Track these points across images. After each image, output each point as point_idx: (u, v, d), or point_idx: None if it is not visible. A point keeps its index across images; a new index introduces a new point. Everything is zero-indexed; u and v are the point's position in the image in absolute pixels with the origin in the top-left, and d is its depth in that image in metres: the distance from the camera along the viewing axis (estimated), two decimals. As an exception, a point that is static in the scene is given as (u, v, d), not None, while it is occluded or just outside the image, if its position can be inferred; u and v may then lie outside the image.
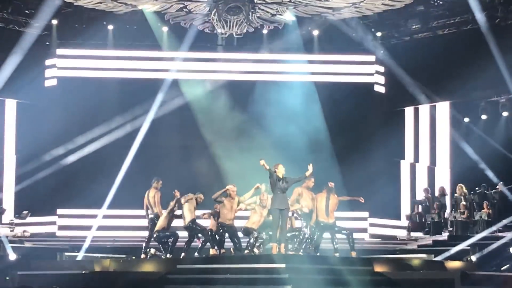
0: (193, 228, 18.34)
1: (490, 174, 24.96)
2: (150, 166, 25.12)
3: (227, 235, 18.45)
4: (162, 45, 26.76)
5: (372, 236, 26.71)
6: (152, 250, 19.07)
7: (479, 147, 25.74)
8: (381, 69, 27.87)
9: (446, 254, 20.92)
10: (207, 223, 18.83)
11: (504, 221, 23.27)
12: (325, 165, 23.06)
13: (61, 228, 26.21)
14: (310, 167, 17.26)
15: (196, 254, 18.48)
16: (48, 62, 27.24)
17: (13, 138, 27.06)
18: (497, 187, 24.56)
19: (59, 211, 26.37)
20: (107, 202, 24.60)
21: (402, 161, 27.91)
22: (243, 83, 27.04)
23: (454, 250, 21.31)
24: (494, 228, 23.23)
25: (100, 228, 24.67)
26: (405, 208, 27.23)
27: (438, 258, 20.28)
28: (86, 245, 22.06)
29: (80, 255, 21.15)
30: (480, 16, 24.04)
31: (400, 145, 27.94)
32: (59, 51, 27.06)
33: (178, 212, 18.65)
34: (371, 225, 27.12)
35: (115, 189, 24.68)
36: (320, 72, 27.43)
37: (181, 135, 27.07)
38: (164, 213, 18.61)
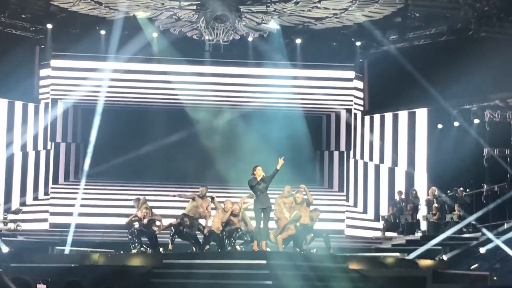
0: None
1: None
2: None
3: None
4: (153, 51, 26.76)
5: (349, 237, 26.78)
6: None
7: (452, 152, 25.85)
8: (360, 84, 28.05)
9: (417, 252, 20.98)
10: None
11: (470, 219, 23.43)
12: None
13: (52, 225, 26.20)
14: (281, 160, 17.12)
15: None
16: (42, 72, 27.25)
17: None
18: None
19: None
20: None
21: (381, 165, 28.03)
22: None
23: (423, 248, 21.36)
24: (460, 226, 23.34)
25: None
26: (383, 210, 27.31)
27: (410, 257, 20.33)
28: (70, 235, 22.05)
29: (67, 249, 21.11)
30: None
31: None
32: (54, 63, 27.03)
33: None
34: (348, 226, 27.22)
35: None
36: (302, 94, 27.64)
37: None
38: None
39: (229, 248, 17.89)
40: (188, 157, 26.69)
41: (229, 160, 25.22)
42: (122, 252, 19.51)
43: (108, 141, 26.85)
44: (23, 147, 26.98)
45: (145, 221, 18.73)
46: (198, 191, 18.97)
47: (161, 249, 18.88)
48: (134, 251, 18.60)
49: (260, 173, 17.05)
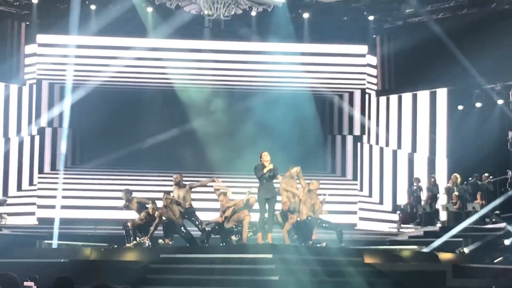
0: None
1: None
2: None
3: None
4: (147, 27, 26.71)
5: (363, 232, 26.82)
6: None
7: (474, 135, 25.83)
8: (374, 60, 28.00)
9: (435, 244, 21.00)
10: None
11: (491, 206, 23.43)
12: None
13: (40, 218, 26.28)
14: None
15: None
16: (28, 49, 27.22)
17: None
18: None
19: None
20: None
21: (399, 151, 28.02)
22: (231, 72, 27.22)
23: (441, 240, 21.37)
24: (482, 215, 23.34)
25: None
26: (401, 200, 27.28)
27: (428, 250, 20.35)
28: (56, 227, 22.15)
29: (55, 242, 21.20)
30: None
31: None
32: (41, 38, 26.97)
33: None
34: (361, 219, 27.27)
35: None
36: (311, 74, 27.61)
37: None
38: None
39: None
40: (185, 143, 26.74)
41: (229, 146, 25.28)
42: (116, 246, 19.57)
43: (99, 126, 26.92)
44: (5, 133, 27.02)
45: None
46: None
47: (160, 241, 18.98)
48: (128, 244, 18.68)
49: (267, 159, 17.09)
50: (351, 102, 28.47)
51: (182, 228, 18.72)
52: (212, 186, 18.98)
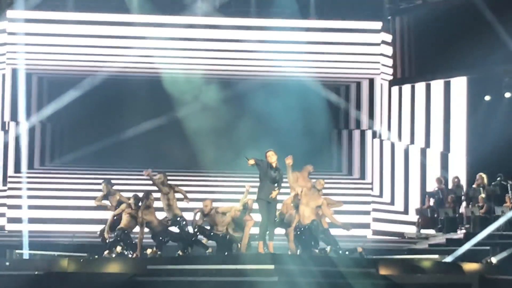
0: None
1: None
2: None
3: None
4: (130, 6, 26.67)
5: (376, 233, 26.81)
6: (118, 248, 19.11)
7: (501, 130, 25.78)
8: (389, 37, 27.89)
9: (457, 253, 20.95)
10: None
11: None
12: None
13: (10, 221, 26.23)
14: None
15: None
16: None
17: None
18: None
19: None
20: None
21: (411, 146, 27.99)
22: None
23: (464, 248, 21.34)
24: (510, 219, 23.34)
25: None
26: (414, 200, 27.27)
27: (451, 259, 20.32)
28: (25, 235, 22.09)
29: (25, 252, 21.10)
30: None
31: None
32: (11, 14, 26.86)
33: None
34: (375, 220, 27.24)
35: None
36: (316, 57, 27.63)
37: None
38: None
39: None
40: (176, 139, 26.73)
41: (225, 142, 25.24)
42: (96, 256, 19.50)
43: (79, 120, 26.95)
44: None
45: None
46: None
47: (148, 251, 18.94)
48: (107, 254, 18.66)
49: (274, 160, 16.99)
50: (358, 94, 28.50)
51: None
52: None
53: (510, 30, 24.40)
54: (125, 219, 19.05)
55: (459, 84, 27.34)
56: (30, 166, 27.57)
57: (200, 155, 25.95)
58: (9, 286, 16.59)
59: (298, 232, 17.84)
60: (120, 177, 26.16)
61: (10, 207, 26.54)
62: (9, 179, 27.16)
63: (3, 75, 27.18)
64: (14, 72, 27.11)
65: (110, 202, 19.85)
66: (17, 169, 27.25)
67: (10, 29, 26.97)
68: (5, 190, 27.00)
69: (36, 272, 17.42)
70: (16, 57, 27.07)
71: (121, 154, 27.27)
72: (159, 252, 18.84)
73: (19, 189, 26.61)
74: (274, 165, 17.00)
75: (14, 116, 27.32)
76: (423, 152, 27.88)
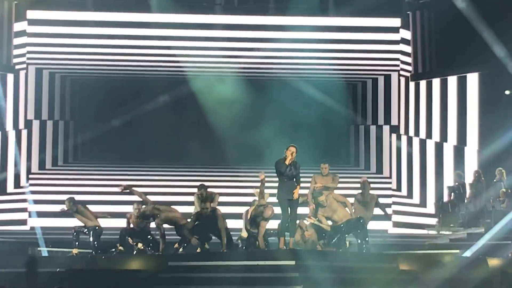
0: None
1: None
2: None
3: None
4: (151, 4, 26.72)
5: (396, 224, 26.77)
6: (140, 245, 19.19)
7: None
8: (407, 34, 27.83)
9: (476, 247, 20.90)
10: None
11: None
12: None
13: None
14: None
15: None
16: (17, 26, 27.13)
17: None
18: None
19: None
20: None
21: (428, 140, 27.94)
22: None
23: (481, 242, 21.29)
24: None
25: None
26: (431, 193, 27.21)
27: (470, 254, 20.28)
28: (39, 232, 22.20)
29: (44, 250, 21.19)
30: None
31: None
32: (31, 14, 26.89)
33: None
34: (395, 212, 27.22)
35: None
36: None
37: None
38: None
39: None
40: (194, 135, 26.80)
41: (242, 139, 25.31)
42: (116, 251, 19.57)
43: (98, 117, 27.05)
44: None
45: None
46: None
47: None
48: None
49: (289, 155, 16.95)
50: (375, 89, 28.51)
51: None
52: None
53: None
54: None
55: (472, 79, 27.17)
56: (54, 163, 27.74)
57: (222, 151, 26.04)
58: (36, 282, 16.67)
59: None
60: (142, 175, 26.35)
61: (33, 203, 26.65)
62: (32, 176, 27.26)
63: (26, 74, 27.26)
64: (38, 72, 27.27)
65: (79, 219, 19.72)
66: (42, 166, 27.43)
67: (31, 29, 27.05)
68: (27, 187, 27.12)
69: (58, 270, 17.48)
70: (36, 57, 27.17)
71: (143, 152, 27.38)
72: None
73: (43, 185, 26.86)
74: (288, 161, 16.94)
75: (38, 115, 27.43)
76: (440, 147, 27.79)
